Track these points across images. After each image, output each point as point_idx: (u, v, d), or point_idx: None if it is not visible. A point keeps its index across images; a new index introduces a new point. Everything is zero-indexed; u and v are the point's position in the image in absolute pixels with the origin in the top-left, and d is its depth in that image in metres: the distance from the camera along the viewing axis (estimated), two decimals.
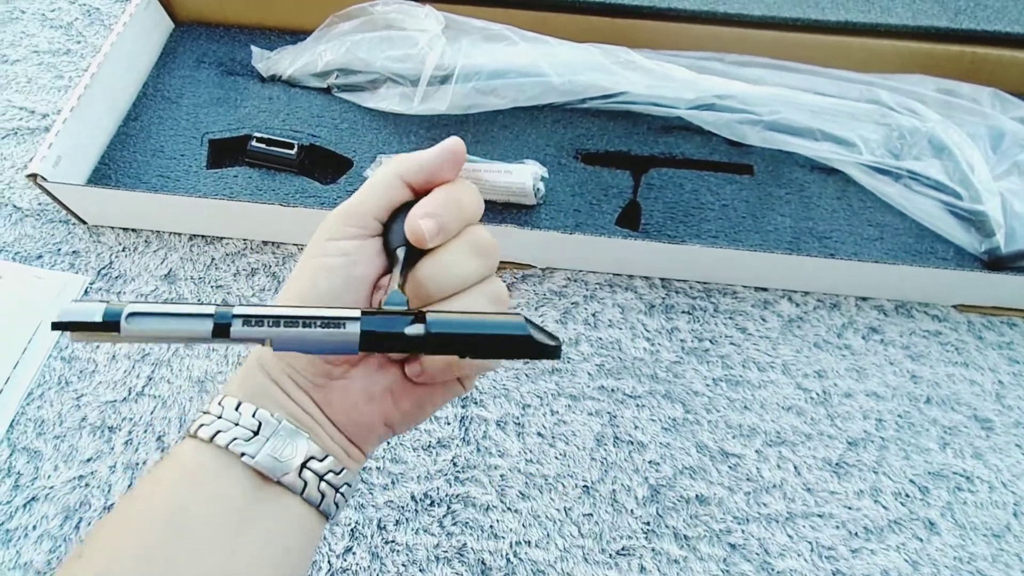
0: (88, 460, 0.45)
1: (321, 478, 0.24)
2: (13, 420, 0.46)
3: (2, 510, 0.43)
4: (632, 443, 0.46)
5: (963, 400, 0.48)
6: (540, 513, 0.43)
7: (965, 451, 0.46)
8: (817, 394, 0.48)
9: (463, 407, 0.47)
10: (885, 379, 0.49)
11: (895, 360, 0.49)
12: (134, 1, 0.57)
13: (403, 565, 0.41)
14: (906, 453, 0.46)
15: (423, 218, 0.23)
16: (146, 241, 0.54)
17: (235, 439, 0.23)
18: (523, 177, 0.50)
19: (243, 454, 0.23)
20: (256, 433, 0.23)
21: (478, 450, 0.45)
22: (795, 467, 0.45)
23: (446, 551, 0.42)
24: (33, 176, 0.48)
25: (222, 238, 0.54)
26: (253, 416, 0.23)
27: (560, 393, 0.47)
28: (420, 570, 0.41)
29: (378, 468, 0.44)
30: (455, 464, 0.45)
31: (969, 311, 0.52)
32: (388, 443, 0.45)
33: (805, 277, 0.51)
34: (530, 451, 0.45)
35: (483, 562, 0.41)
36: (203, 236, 0.54)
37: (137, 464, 0.44)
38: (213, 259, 0.53)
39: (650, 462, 0.45)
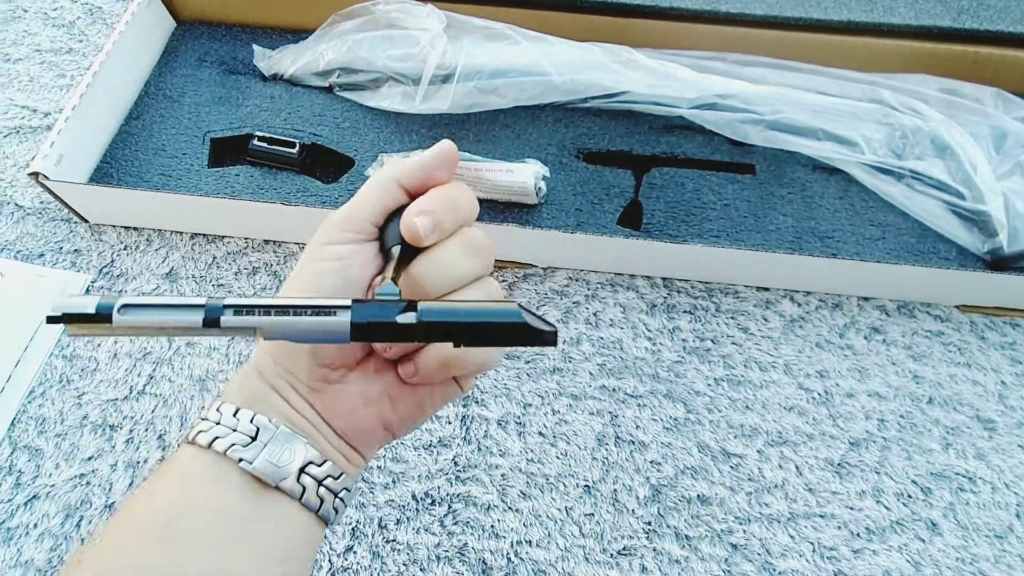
0: (89, 458, 0.45)
1: (320, 483, 0.24)
2: (14, 418, 0.46)
3: (3, 508, 0.43)
4: (633, 443, 0.46)
5: (965, 401, 0.48)
6: (541, 513, 0.43)
7: (967, 452, 0.46)
8: (819, 394, 0.48)
9: (464, 406, 0.47)
10: (887, 379, 0.49)
11: (897, 360, 0.49)
12: (136, 0, 0.57)
13: (404, 564, 0.41)
14: (908, 454, 0.46)
15: (418, 215, 0.23)
16: (147, 240, 0.54)
17: (233, 445, 0.23)
18: (524, 176, 0.50)
19: (241, 460, 0.23)
20: (254, 439, 0.23)
21: (479, 449, 0.45)
22: (797, 467, 0.45)
23: (447, 550, 0.42)
24: (35, 175, 0.48)
25: (223, 237, 0.54)
26: (251, 422, 0.23)
27: (561, 392, 0.47)
28: (421, 569, 0.41)
29: (379, 467, 0.44)
30: (456, 463, 0.45)
31: (972, 311, 0.51)
32: None
33: (807, 277, 0.51)
34: (531, 450, 0.45)
35: (484, 561, 0.41)
36: (204, 235, 0.54)
37: (138, 463, 0.44)
38: (215, 258, 0.53)
39: (651, 462, 0.45)
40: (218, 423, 0.23)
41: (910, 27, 0.56)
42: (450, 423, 0.46)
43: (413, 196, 0.26)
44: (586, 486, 0.44)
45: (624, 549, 0.42)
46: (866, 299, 0.52)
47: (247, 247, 0.54)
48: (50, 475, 0.44)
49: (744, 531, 0.43)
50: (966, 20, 0.56)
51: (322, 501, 0.24)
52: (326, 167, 0.56)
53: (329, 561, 0.41)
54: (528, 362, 0.49)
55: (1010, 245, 0.49)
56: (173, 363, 0.48)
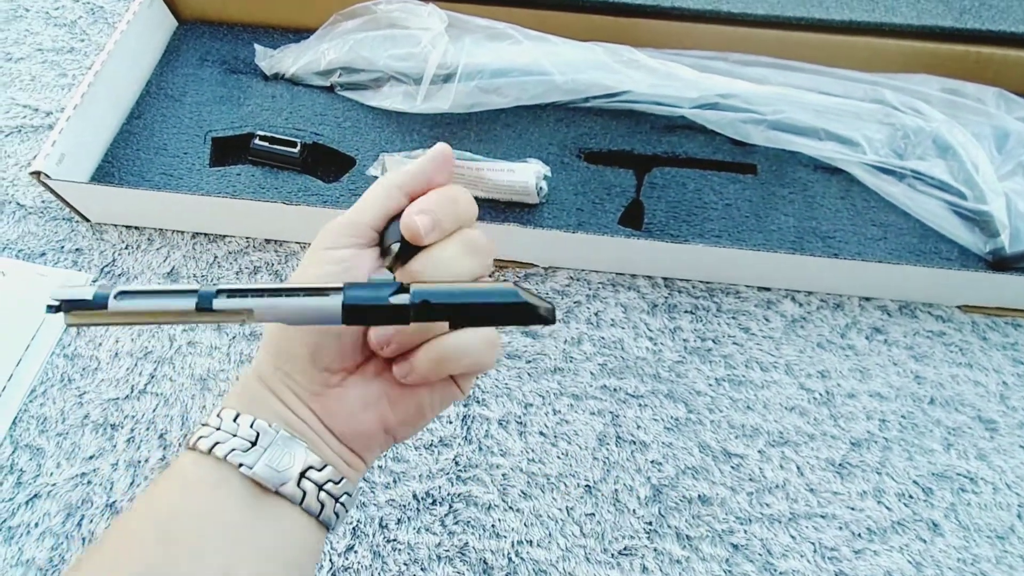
0: (90, 457, 0.45)
1: (320, 488, 0.24)
2: (16, 417, 0.46)
3: (4, 507, 0.43)
4: (634, 443, 0.46)
5: (967, 401, 0.48)
6: (542, 512, 0.43)
7: (969, 452, 0.46)
8: (820, 394, 0.48)
9: (465, 406, 0.47)
10: (889, 380, 0.48)
11: (899, 361, 0.49)
12: None
13: (405, 564, 0.41)
14: (910, 454, 0.46)
15: (418, 214, 0.23)
16: (149, 239, 0.54)
17: (233, 450, 0.23)
18: (526, 176, 0.50)
19: (241, 464, 0.23)
20: (254, 443, 0.23)
21: (480, 449, 0.45)
22: (798, 467, 0.45)
23: (448, 550, 0.42)
24: (37, 174, 0.48)
25: (225, 236, 0.54)
26: (251, 427, 0.23)
27: (562, 392, 0.47)
28: (422, 569, 0.41)
29: (380, 467, 0.44)
30: (457, 463, 0.45)
31: (973, 311, 0.51)
32: None
33: (808, 277, 0.51)
34: (532, 450, 0.45)
35: (485, 561, 0.41)
36: (206, 234, 0.54)
37: (139, 462, 0.44)
38: (216, 257, 0.53)
39: (652, 462, 0.45)
40: (218, 428, 0.23)
41: (912, 27, 0.56)
42: (451, 423, 0.46)
43: (413, 200, 0.26)
44: (587, 486, 0.44)
45: (625, 549, 0.42)
46: (868, 299, 0.52)
47: (248, 246, 0.54)
48: (51, 474, 0.44)
49: (745, 531, 0.43)
50: (968, 20, 0.56)
51: (323, 506, 0.24)
52: (327, 166, 0.56)
53: (330, 560, 0.41)
54: (529, 362, 0.49)
55: (1012, 245, 0.49)
56: (174, 362, 0.48)
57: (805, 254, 0.49)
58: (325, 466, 0.24)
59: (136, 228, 0.54)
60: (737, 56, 0.57)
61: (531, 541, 0.42)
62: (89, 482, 0.44)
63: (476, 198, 0.56)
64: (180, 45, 0.62)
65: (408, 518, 0.43)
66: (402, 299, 0.21)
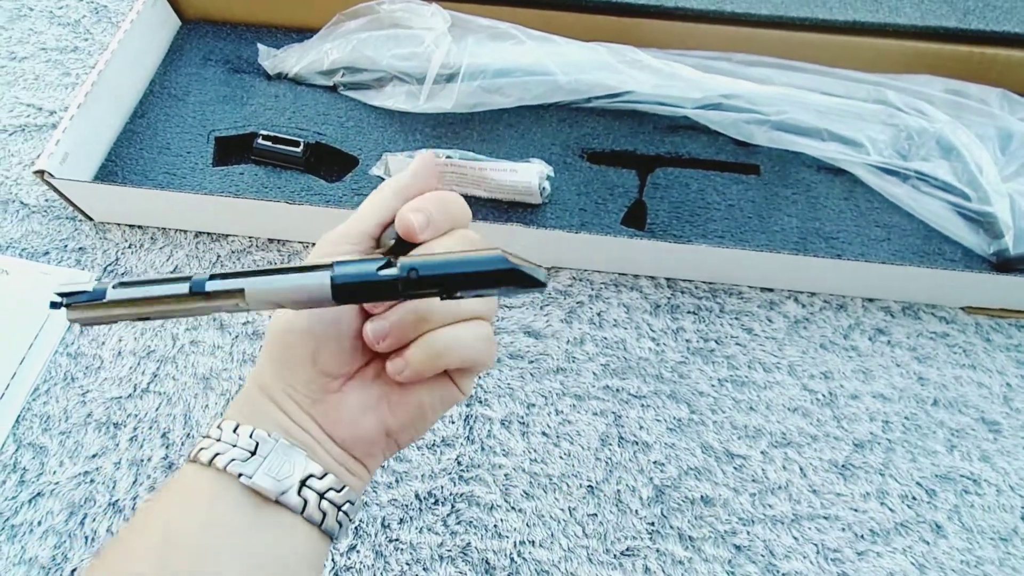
0: (93, 456, 0.45)
1: (322, 496, 0.24)
2: (19, 416, 0.46)
3: (8, 505, 0.43)
4: (637, 443, 0.46)
5: (970, 402, 0.48)
6: (544, 513, 0.43)
7: (972, 454, 0.46)
8: (823, 395, 0.48)
9: (467, 406, 0.47)
10: (892, 381, 0.48)
11: (902, 362, 0.49)
12: None
13: (407, 564, 0.41)
14: (913, 455, 0.45)
15: (413, 212, 0.24)
16: (152, 238, 0.54)
17: (233, 460, 0.23)
18: (529, 176, 0.50)
19: (241, 474, 0.23)
20: (254, 453, 0.23)
21: (482, 449, 0.45)
22: (801, 468, 0.45)
23: (450, 550, 0.42)
24: (40, 173, 0.48)
25: (228, 235, 0.54)
26: (250, 436, 0.23)
27: (565, 392, 0.47)
28: (424, 569, 0.41)
29: (382, 466, 0.44)
30: (459, 463, 0.45)
31: (977, 313, 0.51)
32: None
33: (811, 278, 0.51)
34: (534, 450, 0.45)
35: (487, 561, 0.41)
36: (209, 233, 0.54)
37: (142, 460, 0.45)
38: (219, 256, 0.53)
39: (655, 462, 0.45)
40: (219, 440, 0.24)
41: (916, 27, 0.56)
42: (453, 423, 0.46)
43: None
44: (589, 486, 0.44)
45: (627, 550, 0.42)
46: (871, 300, 0.52)
47: (251, 246, 0.54)
48: (54, 472, 0.44)
49: (748, 532, 0.43)
50: (972, 20, 0.56)
51: (324, 515, 0.24)
52: (330, 166, 0.56)
53: (332, 560, 0.41)
54: (532, 362, 0.49)
55: (1016, 247, 0.49)
56: (177, 361, 0.48)
57: (808, 255, 0.49)
58: (326, 474, 0.24)
59: (139, 227, 0.55)
60: (740, 56, 0.57)
61: (533, 541, 0.42)
62: (92, 481, 0.44)
63: (479, 198, 0.57)
64: (183, 44, 0.62)
65: (410, 518, 0.43)
66: (391, 272, 0.21)
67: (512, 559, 0.41)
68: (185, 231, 0.54)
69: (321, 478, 0.24)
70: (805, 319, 0.51)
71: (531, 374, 0.48)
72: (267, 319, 0.50)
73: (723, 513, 0.43)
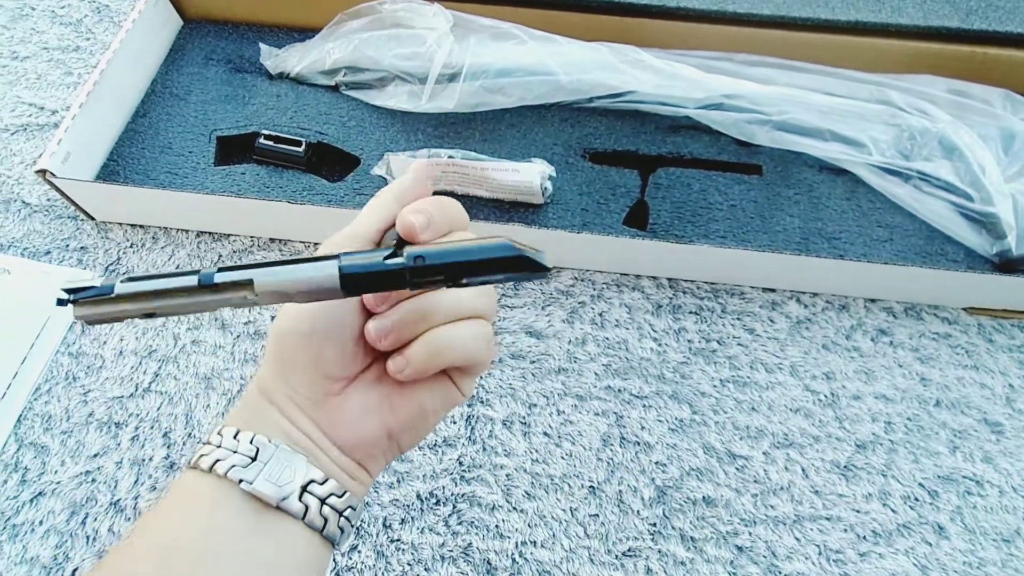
0: (95, 456, 0.45)
1: (323, 502, 0.24)
2: (21, 415, 0.46)
3: (9, 505, 0.43)
4: (639, 444, 0.46)
5: (973, 403, 0.47)
6: (546, 513, 0.43)
7: (975, 455, 0.45)
8: (825, 396, 0.48)
9: (469, 406, 0.47)
10: (894, 382, 0.48)
11: (904, 363, 0.49)
12: None
13: (408, 564, 0.41)
14: (915, 456, 0.45)
15: (413, 213, 0.24)
16: (153, 237, 0.54)
17: (233, 466, 0.23)
18: (530, 176, 0.50)
19: (241, 480, 0.23)
20: (254, 459, 0.23)
21: (484, 449, 0.45)
22: (803, 469, 0.45)
23: (451, 550, 0.42)
24: (42, 172, 0.48)
25: (229, 235, 0.54)
26: (251, 442, 0.23)
27: (566, 393, 0.47)
28: (425, 569, 0.41)
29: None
30: (461, 463, 0.45)
31: (979, 314, 0.51)
32: None
33: (814, 278, 0.51)
34: (536, 451, 0.45)
35: (488, 562, 0.41)
36: (210, 233, 0.54)
37: (143, 460, 0.44)
38: (220, 256, 0.53)
39: (657, 463, 0.45)
40: (219, 446, 0.23)
41: (918, 27, 0.56)
42: (455, 423, 0.46)
43: None
44: (591, 487, 0.44)
45: (629, 550, 0.42)
46: (873, 301, 0.52)
47: (253, 245, 0.54)
48: (56, 472, 0.44)
49: (750, 533, 0.43)
50: (975, 21, 0.56)
51: (326, 521, 0.24)
52: (332, 166, 0.56)
53: (333, 560, 0.41)
54: (533, 362, 0.49)
55: (1018, 247, 0.49)
56: (179, 361, 0.48)
57: (810, 255, 0.49)
58: (327, 480, 0.24)
59: (141, 227, 0.55)
60: (742, 56, 0.57)
61: (535, 542, 0.42)
62: (93, 480, 0.44)
63: (480, 198, 0.57)
64: (185, 44, 0.62)
65: (412, 518, 0.43)
66: (397, 260, 0.21)
67: (514, 559, 0.41)
68: (187, 231, 0.54)
69: (322, 483, 0.24)
70: (807, 319, 0.51)
71: (533, 374, 0.48)
72: (269, 319, 0.50)
73: (725, 514, 0.43)
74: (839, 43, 0.57)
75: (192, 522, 0.23)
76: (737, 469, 0.45)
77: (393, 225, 0.25)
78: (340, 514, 0.24)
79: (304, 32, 0.62)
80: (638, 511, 0.43)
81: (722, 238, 0.51)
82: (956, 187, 0.52)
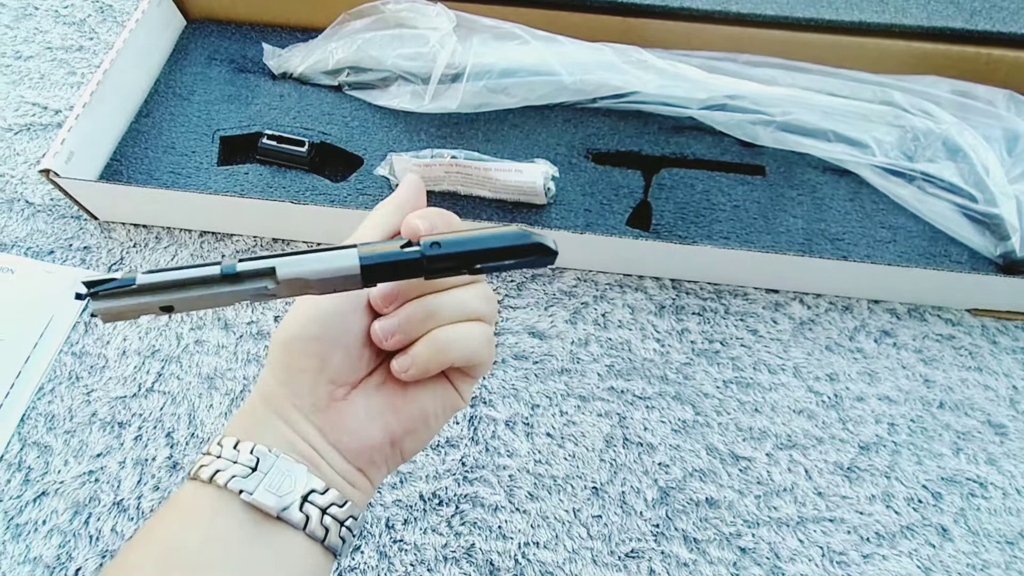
0: (98, 455, 0.45)
1: (324, 512, 0.24)
2: (24, 414, 0.46)
3: (12, 504, 0.43)
4: (641, 445, 0.46)
5: (977, 405, 0.47)
6: (549, 514, 0.43)
7: (979, 457, 0.45)
8: (828, 397, 0.48)
9: (472, 407, 0.47)
10: (897, 383, 0.48)
11: (908, 364, 0.49)
12: None
13: (411, 564, 0.41)
14: (919, 458, 0.45)
15: (418, 218, 0.25)
16: (157, 237, 0.54)
17: (234, 476, 0.23)
18: (534, 176, 0.50)
19: (242, 491, 0.22)
20: (255, 469, 0.23)
21: (487, 450, 0.45)
22: (806, 471, 0.45)
23: (454, 551, 0.42)
24: (46, 172, 0.48)
25: (232, 235, 0.54)
26: (251, 452, 0.23)
27: (569, 394, 0.47)
28: (428, 570, 0.41)
29: None
30: (464, 464, 0.45)
31: (983, 315, 0.51)
32: None
33: (817, 279, 0.51)
34: (539, 452, 0.45)
35: (491, 563, 0.41)
36: (213, 233, 0.54)
37: (146, 460, 0.45)
38: (223, 256, 0.53)
39: (660, 464, 0.45)
40: (219, 456, 0.23)
41: (922, 28, 0.56)
42: (458, 423, 0.46)
43: None
44: (594, 488, 0.44)
45: (632, 552, 0.42)
46: (876, 302, 0.52)
47: (256, 245, 0.54)
48: (59, 472, 0.44)
49: (753, 535, 0.43)
50: (979, 21, 0.56)
51: (327, 531, 0.24)
52: (335, 166, 0.56)
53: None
54: (536, 363, 0.49)
55: (1022, 248, 0.49)
56: (182, 361, 0.48)
57: (814, 256, 0.49)
58: (327, 489, 0.24)
59: (144, 226, 0.55)
60: (746, 57, 0.57)
61: (538, 543, 0.42)
62: (96, 480, 0.44)
63: (483, 198, 0.57)
64: (188, 44, 0.62)
65: (415, 519, 0.43)
66: (414, 249, 0.22)
67: (516, 560, 0.41)
68: (190, 230, 0.54)
69: (323, 493, 0.24)
70: (810, 321, 0.51)
71: (536, 375, 0.48)
72: (271, 320, 0.50)
73: (728, 515, 0.43)
74: (843, 43, 0.57)
75: (192, 532, 0.22)
76: (740, 470, 0.45)
77: (395, 235, 0.26)
78: (341, 524, 0.24)
79: (307, 32, 0.62)
80: (641, 512, 0.43)
81: (725, 239, 0.51)
82: (960, 188, 0.52)
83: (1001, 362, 0.49)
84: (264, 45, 0.61)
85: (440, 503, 0.43)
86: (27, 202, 0.56)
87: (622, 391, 0.48)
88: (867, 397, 0.48)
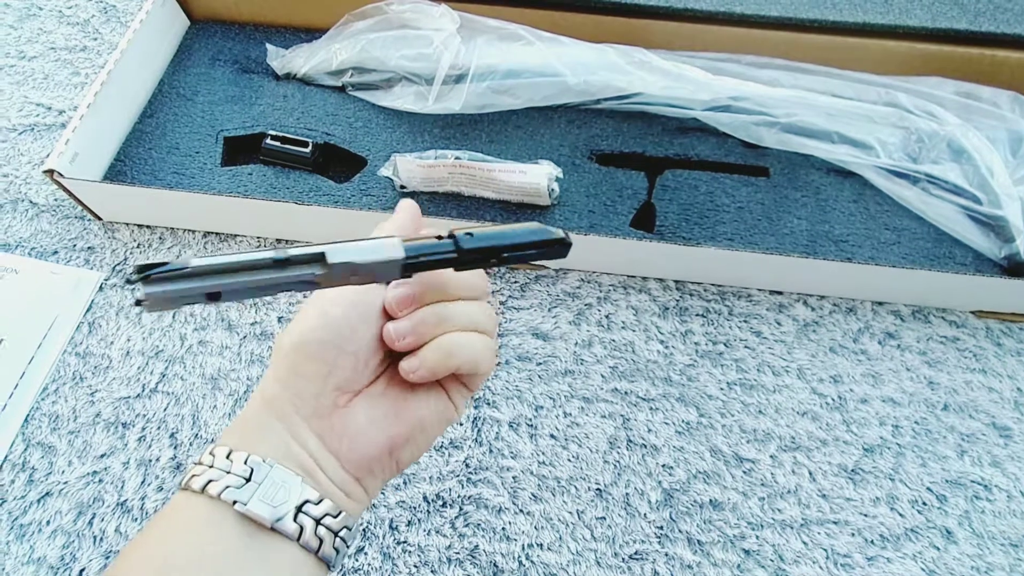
0: (102, 456, 0.45)
1: (318, 522, 0.23)
2: (28, 415, 0.46)
3: (17, 505, 0.43)
4: (645, 446, 0.45)
5: (981, 407, 0.47)
6: (552, 516, 0.43)
7: (983, 459, 0.45)
8: (833, 399, 0.47)
9: (476, 408, 0.47)
10: (902, 385, 0.48)
11: (912, 366, 0.49)
12: None
13: (415, 566, 0.41)
14: (923, 460, 0.45)
15: (426, 228, 0.26)
16: (160, 238, 0.54)
17: (227, 487, 0.23)
18: (537, 177, 0.50)
19: (235, 502, 0.22)
20: (248, 479, 0.23)
21: (491, 451, 0.45)
22: (810, 473, 0.45)
23: (458, 552, 0.42)
24: (50, 172, 0.48)
25: (236, 236, 0.54)
26: (245, 463, 0.23)
27: (573, 395, 0.47)
28: (432, 571, 0.41)
29: None
30: (467, 465, 0.45)
31: (987, 317, 0.51)
32: None
33: (821, 281, 0.51)
34: (543, 453, 0.45)
35: (495, 564, 0.41)
36: (217, 233, 0.54)
37: (150, 460, 0.45)
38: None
39: (663, 466, 0.45)
40: (211, 466, 0.23)
41: (926, 29, 0.56)
42: (461, 425, 0.46)
43: None
44: (598, 489, 0.44)
45: (636, 553, 0.42)
46: (880, 304, 0.52)
47: (259, 246, 0.54)
48: (63, 472, 0.44)
49: (757, 537, 0.42)
50: (983, 23, 0.56)
51: (321, 541, 0.23)
52: (339, 167, 0.56)
53: None
54: (540, 364, 0.49)
55: None
56: (185, 361, 0.48)
57: (818, 258, 0.49)
58: (322, 500, 0.24)
59: (148, 227, 0.55)
60: (750, 58, 0.57)
61: (541, 544, 0.42)
62: (100, 480, 0.44)
63: (487, 199, 0.57)
64: (192, 44, 0.62)
65: (418, 520, 0.43)
66: (449, 240, 0.24)
67: (520, 562, 0.41)
68: (193, 231, 0.54)
69: (318, 504, 0.24)
70: (814, 322, 0.51)
71: (539, 376, 0.48)
72: (275, 321, 0.50)
73: (732, 517, 0.43)
74: (847, 45, 0.57)
75: (186, 544, 0.22)
76: (744, 472, 0.45)
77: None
78: (335, 535, 0.24)
79: (311, 33, 0.62)
80: (645, 514, 0.43)
81: (729, 240, 0.51)
82: (964, 190, 0.52)
83: (1006, 364, 0.49)
84: (268, 46, 0.61)
85: (444, 504, 0.43)
86: (31, 202, 0.56)
87: (626, 393, 0.47)
88: (871, 399, 0.47)
